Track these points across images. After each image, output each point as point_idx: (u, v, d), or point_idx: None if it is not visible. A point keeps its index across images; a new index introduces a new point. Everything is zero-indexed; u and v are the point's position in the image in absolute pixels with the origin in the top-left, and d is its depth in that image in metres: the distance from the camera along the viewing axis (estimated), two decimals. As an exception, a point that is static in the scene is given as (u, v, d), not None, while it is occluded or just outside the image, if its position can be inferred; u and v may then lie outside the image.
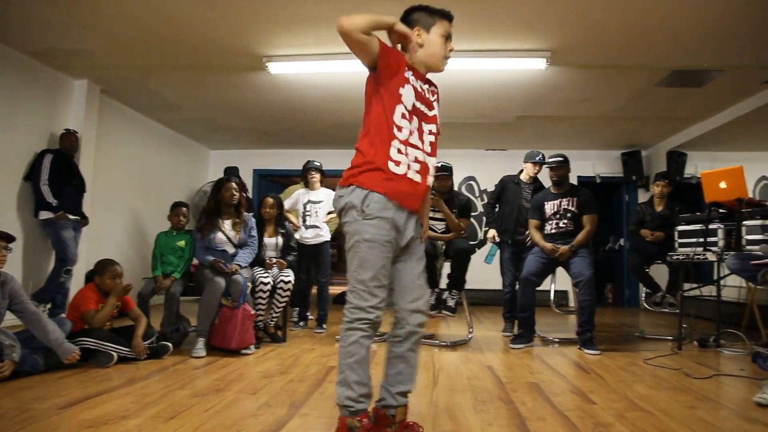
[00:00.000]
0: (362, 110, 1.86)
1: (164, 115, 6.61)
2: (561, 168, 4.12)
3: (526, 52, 4.49)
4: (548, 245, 3.99)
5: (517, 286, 4.18)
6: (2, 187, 4.47)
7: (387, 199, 1.75)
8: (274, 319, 4.03)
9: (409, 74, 1.82)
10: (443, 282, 4.22)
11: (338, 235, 5.31)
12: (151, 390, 2.52)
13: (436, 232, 4.15)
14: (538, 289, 4.01)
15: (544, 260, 4.01)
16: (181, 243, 4.03)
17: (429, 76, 1.95)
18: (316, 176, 4.81)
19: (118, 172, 6.11)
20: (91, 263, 3.55)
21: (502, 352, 3.74)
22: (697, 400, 2.48)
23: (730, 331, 4.11)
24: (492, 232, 4.74)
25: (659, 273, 4.88)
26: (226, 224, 3.81)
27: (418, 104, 1.84)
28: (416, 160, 1.81)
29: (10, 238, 2.87)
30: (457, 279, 4.08)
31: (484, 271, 6.99)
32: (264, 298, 3.85)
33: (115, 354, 3.07)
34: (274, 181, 8.71)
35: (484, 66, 4.71)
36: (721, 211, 3.80)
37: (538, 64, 4.62)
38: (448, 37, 1.90)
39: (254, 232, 3.95)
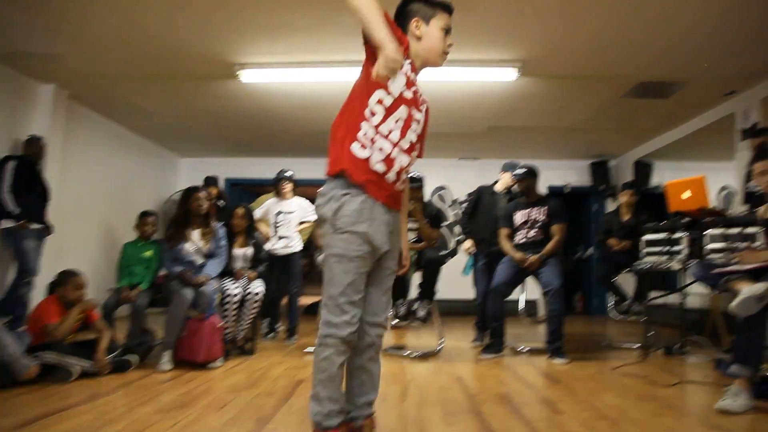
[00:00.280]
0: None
1: (134, 122, 6.48)
2: (524, 180, 4.18)
3: (497, 63, 4.55)
4: (518, 254, 4.02)
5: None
6: (-39, 196, 4.29)
7: (357, 188, 1.70)
8: (243, 331, 3.95)
9: (406, 62, 1.74)
10: (414, 292, 4.21)
11: (309, 245, 5.30)
12: (113, 406, 2.45)
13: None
14: (507, 299, 4.03)
15: (514, 270, 4.04)
16: (149, 253, 3.95)
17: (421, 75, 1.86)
18: (288, 186, 4.77)
19: (85, 179, 5.95)
20: (56, 274, 3.44)
21: (472, 363, 3.75)
22: (663, 408, 2.52)
23: (695, 339, 4.20)
24: (467, 243, 4.71)
25: (627, 282, 4.97)
26: (195, 234, 3.73)
27: (408, 94, 1.75)
28: (381, 151, 1.71)
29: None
30: (428, 289, 4.08)
31: (456, 281, 6.99)
32: (232, 310, 3.78)
33: (76, 368, 2.96)
34: (247, 190, 8.61)
35: (455, 76, 4.76)
36: (684, 220, 3.88)
37: (509, 75, 4.69)
38: (447, 31, 1.82)
39: (223, 242, 3.88)
